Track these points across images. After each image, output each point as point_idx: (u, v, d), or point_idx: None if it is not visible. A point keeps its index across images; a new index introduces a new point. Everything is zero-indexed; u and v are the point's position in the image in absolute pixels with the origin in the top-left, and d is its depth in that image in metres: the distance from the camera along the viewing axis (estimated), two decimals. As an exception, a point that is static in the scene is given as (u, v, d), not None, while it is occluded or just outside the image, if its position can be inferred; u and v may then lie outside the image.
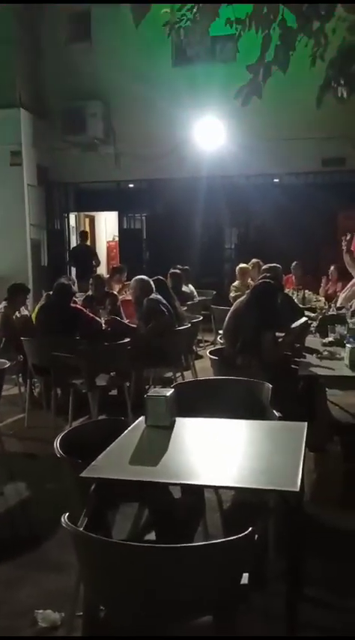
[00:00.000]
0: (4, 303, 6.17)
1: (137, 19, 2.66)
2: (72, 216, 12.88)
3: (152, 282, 5.91)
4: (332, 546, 3.24)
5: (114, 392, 5.81)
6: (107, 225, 15.29)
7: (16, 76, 10.60)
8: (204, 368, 6.40)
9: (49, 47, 11.22)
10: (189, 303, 7.80)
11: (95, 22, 11.05)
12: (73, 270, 11.79)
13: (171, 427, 2.70)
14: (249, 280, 7.97)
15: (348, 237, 7.31)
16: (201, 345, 8.36)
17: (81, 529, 1.89)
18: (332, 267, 8.09)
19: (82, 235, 12.29)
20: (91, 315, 5.74)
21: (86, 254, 11.62)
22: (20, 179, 10.89)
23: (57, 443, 2.49)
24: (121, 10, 9.61)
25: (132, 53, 10.39)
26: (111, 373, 5.49)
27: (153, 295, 5.78)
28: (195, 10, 2.93)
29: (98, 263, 11.89)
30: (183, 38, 3.40)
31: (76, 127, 10.92)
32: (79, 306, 5.86)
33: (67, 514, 1.83)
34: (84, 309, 5.81)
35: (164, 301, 5.82)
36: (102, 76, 10.75)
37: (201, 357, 7.46)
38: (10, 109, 10.56)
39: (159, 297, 5.82)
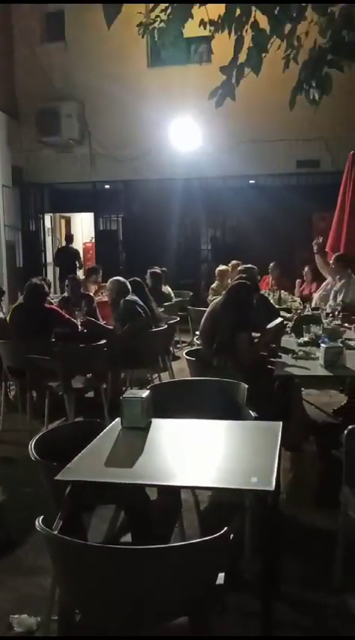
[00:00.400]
0: (-22, 306, 6.10)
1: (109, 20, 2.65)
2: (47, 218, 12.81)
3: (128, 284, 5.90)
4: (307, 545, 3.26)
5: (90, 394, 5.78)
6: (83, 227, 15.23)
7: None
8: (181, 369, 6.40)
9: (22, 47, 11.14)
10: (166, 304, 7.80)
11: (69, 22, 11.00)
12: (57, 270, 11.97)
13: (147, 428, 2.70)
14: (229, 281, 8.00)
15: (320, 240, 7.41)
16: (178, 346, 8.37)
17: (55, 532, 1.87)
18: (306, 268, 8.16)
19: (68, 238, 12.64)
20: (67, 315, 5.71)
21: (70, 256, 11.83)
22: (-5, 180, 10.79)
23: (31, 446, 2.47)
24: (95, 10, 9.63)
25: (107, 54, 10.36)
26: (88, 375, 5.46)
27: (130, 296, 5.77)
28: (168, 11, 2.94)
29: (81, 265, 12.03)
30: (157, 39, 3.39)
31: (50, 127, 10.87)
32: (53, 307, 5.82)
33: (42, 517, 1.81)
34: (58, 309, 5.77)
35: (140, 302, 5.81)
36: (77, 76, 10.71)
37: (178, 358, 7.46)
38: (-16, 109, 10.47)
39: (135, 298, 5.81)
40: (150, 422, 2.75)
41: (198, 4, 2.86)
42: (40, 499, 2.43)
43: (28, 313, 5.48)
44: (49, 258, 12.89)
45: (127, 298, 5.74)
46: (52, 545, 1.80)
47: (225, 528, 1.72)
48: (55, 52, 10.97)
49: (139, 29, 3.45)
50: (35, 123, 10.92)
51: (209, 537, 1.70)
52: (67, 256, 11.99)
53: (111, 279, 6.01)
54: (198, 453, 2.47)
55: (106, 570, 1.71)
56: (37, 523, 1.78)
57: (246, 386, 3.33)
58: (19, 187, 11.66)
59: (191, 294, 9.76)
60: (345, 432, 2.75)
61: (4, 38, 10.97)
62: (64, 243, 13.18)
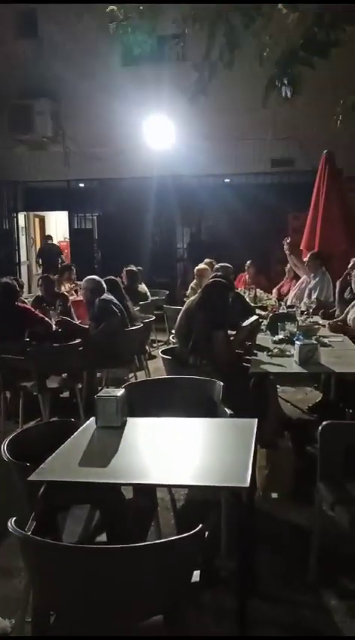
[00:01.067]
0: None
1: (79, 16, 2.64)
2: (21, 216, 12.67)
3: (103, 283, 5.86)
4: (282, 541, 3.28)
5: (66, 394, 5.73)
6: (58, 226, 15.11)
7: None
8: (157, 368, 6.39)
9: (-5, 44, 10.97)
10: (141, 302, 7.78)
11: (42, 19, 10.88)
12: (33, 270, 12.03)
13: (122, 427, 2.68)
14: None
15: (288, 240, 7.50)
16: (154, 345, 8.35)
17: (28, 533, 1.84)
18: (288, 266, 8.21)
19: (47, 236, 13.16)
20: (41, 315, 5.65)
21: (53, 253, 12.25)
22: (-34, 178, 10.64)
23: (4, 446, 2.43)
24: (67, 7, 9.53)
25: (80, 51, 10.28)
26: (63, 375, 5.41)
27: (105, 295, 5.73)
28: (140, 7, 2.92)
29: (64, 262, 12.05)
30: (129, 37, 3.37)
31: (24, 125, 10.72)
32: (26, 306, 5.75)
33: (14, 518, 1.78)
34: (31, 309, 5.71)
35: (116, 301, 5.78)
36: (50, 74, 10.59)
37: (154, 357, 7.44)
38: None
39: (110, 297, 5.77)
40: (126, 421, 2.74)
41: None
42: (14, 501, 2.40)
43: (1, 313, 5.41)
44: (24, 257, 12.77)
45: (102, 297, 5.70)
46: (25, 546, 1.78)
47: (200, 526, 1.71)
48: (28, 48, 10.83)
49: (112, 27, 3.42)
50: (8, 120, 10.77)
51: (183, 535, 1.69)
52: (51, 255, 12.28)
53: (86, 278, 5.97)
54: (174, 451, 2.47)
55: (80, 570, 1.69)
56: (9, 524, 1.76)
57: (222, 384, 3.34)
58: (-9, 186, 11.52)
59: (167, 292, 9.75)
60: (320, 428, 2.77)
61: (-25, 34, 10.79)
62: (39, 244, 13.26)
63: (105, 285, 5.84)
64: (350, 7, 2.91)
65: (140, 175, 10.70)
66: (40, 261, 12.67)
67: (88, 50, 10.16)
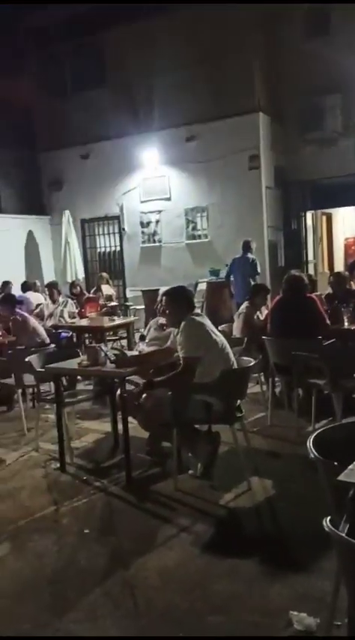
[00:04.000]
0: (246, 304, 6.34)
1: None
2: (308, 215, 12.70)
3: None
4: None
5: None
6: (345, 222, 14.80)
7: (254, 80, 10.81)
8: None
9: (285, 47, 11.18)
10: None
11: (335, 15, 10.72)
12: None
13: None
14: None
15: None
16: None
17: (343, 534, 1.78)
18: None
19: None
20: (323, 313, 5.56)
21: None
22: (258, 182, 11.06)
23: (310, 443, 2.42)
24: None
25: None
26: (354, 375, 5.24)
27: None
28: None
29: None
30: None
31: (313, 123, 10.79)
32: (313, 296, 5.72)
33: (329, 518, 1.75)
34: (317, 300, 5.65)
35: None
36: (340, 67, 10.38)
37: None
38: (250, 114, 10.79)
39: None
40: None
41: None
42: (307, 496, 2.37)
43: (289, 305, 5.47)
44: (311, 256, 12.82)
45: None
46: (343, 550, 1.72)
47: None
48: (317, 46, 10.74)
49: None
50: (297, 120, 10.95)
51: None
52: None
53: None
54: None
55: None
56: (324, 523, 1.73)
57: None
58: (281, 187, 11.80)
59: None
60: None
61: (266, 41, 11.10)
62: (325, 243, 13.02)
63: None
64: None
65: None
66: None
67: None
